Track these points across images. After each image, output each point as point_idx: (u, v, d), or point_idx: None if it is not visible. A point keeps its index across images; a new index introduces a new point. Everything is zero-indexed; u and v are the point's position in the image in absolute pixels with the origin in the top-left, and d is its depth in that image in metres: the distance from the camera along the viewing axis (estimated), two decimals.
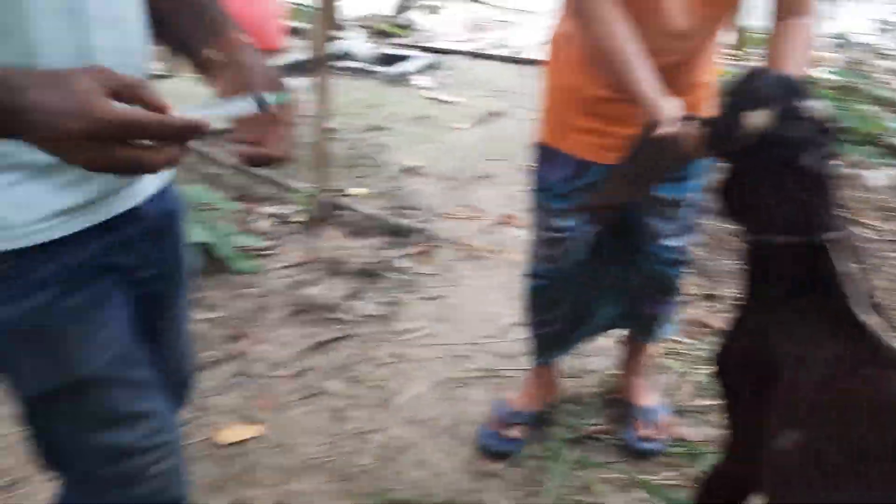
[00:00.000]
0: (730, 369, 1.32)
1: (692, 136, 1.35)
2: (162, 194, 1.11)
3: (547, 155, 1.78)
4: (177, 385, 1.29)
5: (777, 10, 1.55)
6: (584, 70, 1.65)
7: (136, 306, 1.11)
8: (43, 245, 0.93)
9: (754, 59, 5.61)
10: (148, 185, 1.06)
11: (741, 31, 5.08)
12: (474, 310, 2.63)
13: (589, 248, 1.83)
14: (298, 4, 5.88)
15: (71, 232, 0.96)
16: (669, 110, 1.48)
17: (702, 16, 1.54)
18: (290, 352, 2.35)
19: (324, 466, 1.92)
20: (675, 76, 1.58)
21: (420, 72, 5.37)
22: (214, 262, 2.72)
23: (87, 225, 0.97)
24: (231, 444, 1.97)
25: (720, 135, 1.27)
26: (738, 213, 1.26)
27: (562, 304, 1.93)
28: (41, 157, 0.79)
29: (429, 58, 5.64)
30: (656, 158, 1.47)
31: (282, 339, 2.41)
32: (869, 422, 1.01)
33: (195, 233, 2.59)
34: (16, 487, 1.80)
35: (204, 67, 1.08)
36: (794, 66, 1.46)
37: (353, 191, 3.47)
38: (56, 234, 0.94)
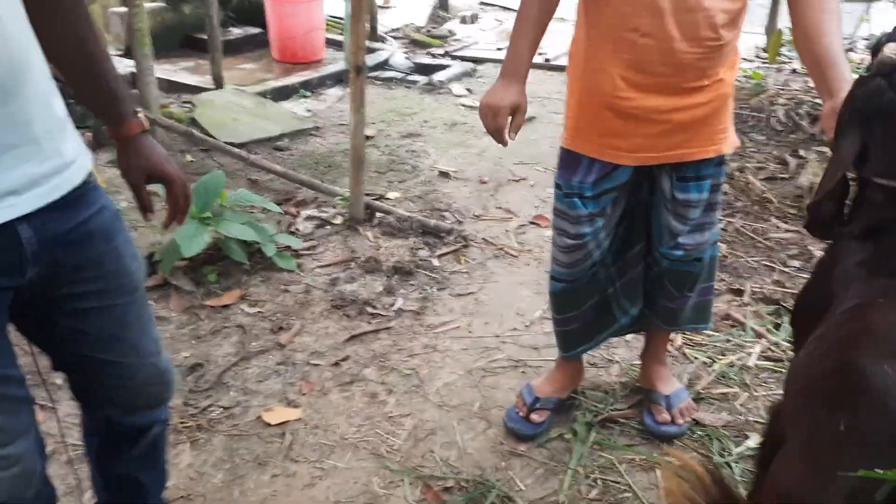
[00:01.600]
0: (799, 306, 1.40)
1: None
2: (66, 209, 1.13)
3: (570, 159, 1.84)
4: (150, 384, 1.36)
5: None
6: (601, 71, 1.71)
7: (57, 331, 1.22)
8: None
9: (786, 62, 5.64)
10: (16, 205, 1.05)
11: (772, 34, 5.11)
12: (503, 305, 2.75)
13: (607, 251, 1.90)
14: (337, 17, 6.08)
15: None
16: (504, 95, 1.72)
17: None
18: (330, 342, 2.50)
19: (359, 446, 2.06)
20: (694, 65, 1.64)
21: (455, 80, 5.51)
22: (260, 261, 2.89)
23: None
24: (275, 425, 2.12)
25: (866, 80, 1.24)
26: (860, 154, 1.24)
27: (583, 306, 2.00)
28: None
29: (464, 66, 5.78)
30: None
31: (322, 331, 2.56)
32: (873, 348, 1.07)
33: (243, 232, 2.77)
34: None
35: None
36: (836, 39, 1.50)
37: (389, 194, 3.62)
38: None
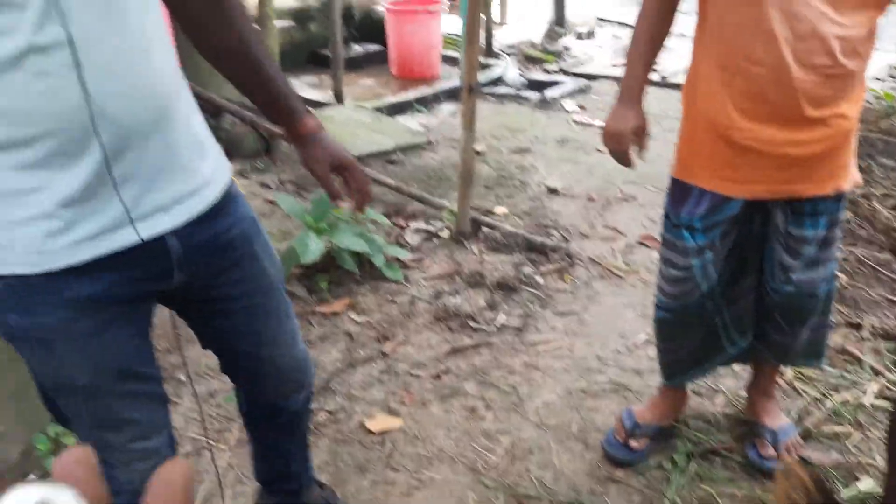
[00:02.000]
0: None
1: None
2: (208, 221, 1.23)
3: (681, 190, 1.81)
4: (289, 373, 1.52)
5: None
6: (715, 100, 1.68)
7: (208, 322, 1.37)
8: (57, 273, 1.09)
9: None
10: (163, 220, 1.16)
11: None
12: (607, 326, 2.73)
13: (716, 282, 1.86)
14: (454, 34, 6.20)
15: (78, 261, 1.09)
16: (626, 119, 1.73)
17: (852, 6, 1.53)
18: (432, 354, 2.56)
19: (456, 459, 2.10)
20: (810, 94, 1.59)
21: (568, 96, 5.50)
22: (370, 271, 3.00)
23: (97, 254, 1.10)
24: (377, 433, 2.19)
25: None
26: None
27: (689, 336, 1.96)
28: (56, 194, 1.04)
29: (577, 83, 5.75)
30: None
31: (424, 343, 2.63)
32: None
33: (353, 243, 2.88)
34: (200, 454, 2.11)
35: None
36: None
37: (496, 209, 3.66)
38: (59, 265, 1.08)
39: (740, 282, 1.89)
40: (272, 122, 1.39)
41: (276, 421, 1.62)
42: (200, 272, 1.26)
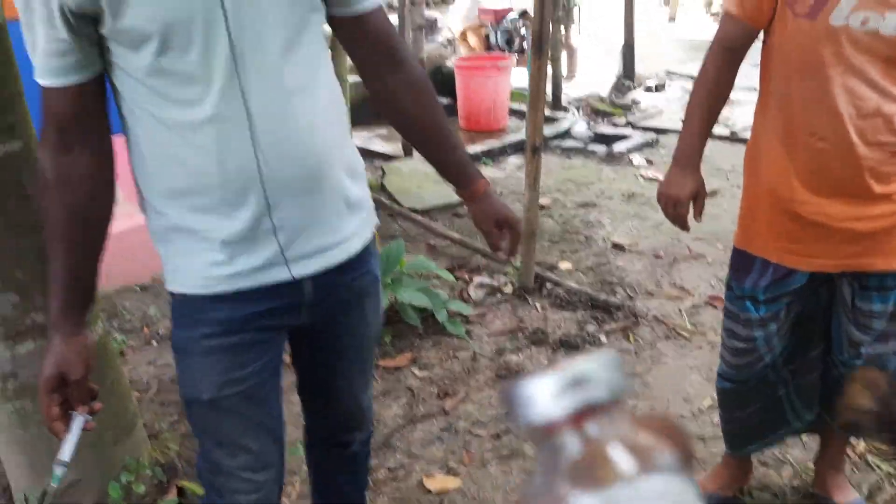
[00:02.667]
0: None
1: None
2: (341, 270, 1.37)
3: (743, 260, 1.78)
4: (351, 413, 1.62)
5: None
6: (778, 173, 1.66)
7: (303, 347, 1.50)
8: (210, 296, 1.29)
9: None
10: (308, 265, 1.32)
11: None
12: (670, 389, 2.69)
13: (780, 354, 1.82)
14: (521, 88, 6.29)
15: (234, 289, 1.28)
16: (682, 185, 1.75)
17: None
18: (492, 413, 2.57)
19: None
20: (875, 171, 1.57)
21: (636, 150, 5.49)
22: (432, 325, 3.04)
23: (245, 286, 1.28)
24: (435, 492, 2.20)
25: None
26: None
27: (752, 407, 1.92)
28: (223, 233, 1.22)
29: (646, 136, 5.75)
30: None
31: (485, 401, 2.64)
32: None
33: (416, 298, 2.93)
34: None
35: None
36: None
37: (560, 264, 3.67)
38: (218, 290, 1.27)
39: (806, 354, 1.85)
40: (447, 181, 1.53)
41: (336, 454, 1.70)
42: (321, 313, 1.39)
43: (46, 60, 1.14)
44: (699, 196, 1.82)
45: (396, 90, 1.39)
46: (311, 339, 1.48)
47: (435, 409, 2.59)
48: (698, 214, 1.85)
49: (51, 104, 1.18)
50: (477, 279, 3.52)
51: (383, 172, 4.77)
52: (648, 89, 7.08)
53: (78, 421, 1.26)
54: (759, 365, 1.83)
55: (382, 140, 5.66)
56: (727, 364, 1.90)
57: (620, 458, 0.27)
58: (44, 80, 1.15)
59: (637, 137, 5.72)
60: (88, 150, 1.21)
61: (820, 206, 1.63)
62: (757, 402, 1.91)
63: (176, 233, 1.27)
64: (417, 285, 3.05)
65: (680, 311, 3.24)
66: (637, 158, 5.32)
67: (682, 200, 1.79)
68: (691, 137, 1.79)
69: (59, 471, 1.24)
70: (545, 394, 0.29)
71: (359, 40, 1.37)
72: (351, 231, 1.37)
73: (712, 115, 1.78)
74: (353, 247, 1.37)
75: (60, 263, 1.25)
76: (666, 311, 3.23)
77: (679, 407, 2.59)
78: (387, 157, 5.11)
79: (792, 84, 1.59)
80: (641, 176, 4.98)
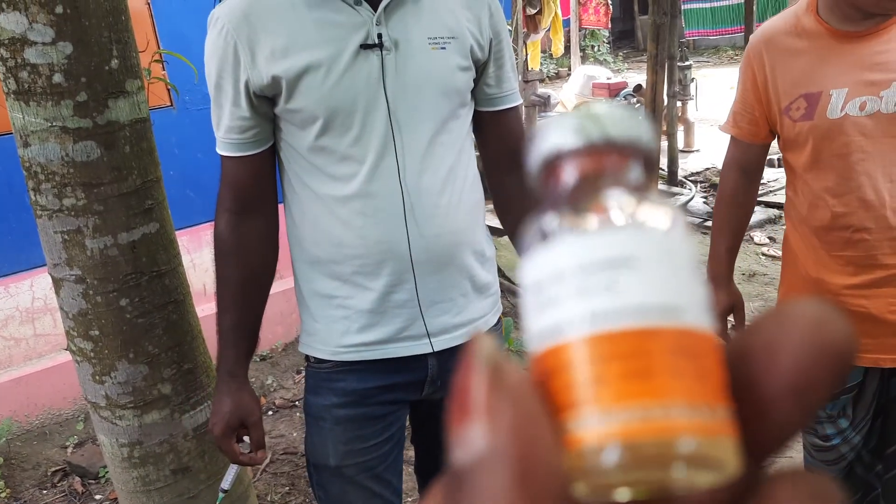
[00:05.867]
0: None
1: None
2: (452, 355, 1.40)
3: None
4: None
5: None
6: (821, 268, 1.61)
7: (423, 425, 1.55)
8: (340, 364, 1.36)
9: None
10: (436, 342, 1.37)
11: None
12: None
13: (862, 447, 1.71)
14: None
15: (361, 359, 1.34)
16: (718, 304, 1.75)
17: None
18: None
19: None
20: None
21: (757, 227, 5.30)
22: None
23: (374, 357, 1.34)
24: None
25: None
26: None
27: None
28: (357, 302, 1.30)
29: (768, 212, 5.54)
30: None
31: None
32: None
33: None
34: None
35: None
36: None
37: None
38: (347, 358, 1.35)
39: (891, 447, 1.71)
40: None
41: None
42: (441, 390, 1.44)
43: (229, 135, 1.31)
44: (737, 309, 1.83)
45: (510, 189, 1.48)
46: (431, 418, 1.52)
47: None
48: (740, 326, 1.85)
49: (230, 173, 1.34)
50: None
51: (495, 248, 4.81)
52: (770, 164, 6.84)
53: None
54: (842, 462, 1.74)
55: (493, 215, 5.71)
56: (813, 460, 1.81)
57: (621, 203, 0.23)
58: (226, 151, 1.32)
59: (758, 213, 5.52)
60: (261, 215, 1.36)
61: (869, 300, 1.56)
62: (850, 498, 1.79)
63: (314, 298, 1.37)
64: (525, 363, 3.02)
65: None
66: (758, 235, 5.12)
67: (716, 317, 1.77)
68: (719, 256, 1.80)
69: (221, 494, 1.47)
70: (560, 127, 0.25)
71: (491, 134, 1.46)
72: (480, 313, 1.42)
73: (737, 233, 1.80)
74: (481, 329, 1.41)
75: (236, 318, 1.38)
76: None
77: None
78: (499, 232, 5.16)
79: (816, 182, 1.55)
80: (763, 254, 4.78)
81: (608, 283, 0.21)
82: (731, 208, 1.77)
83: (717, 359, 0.21)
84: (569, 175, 0.25)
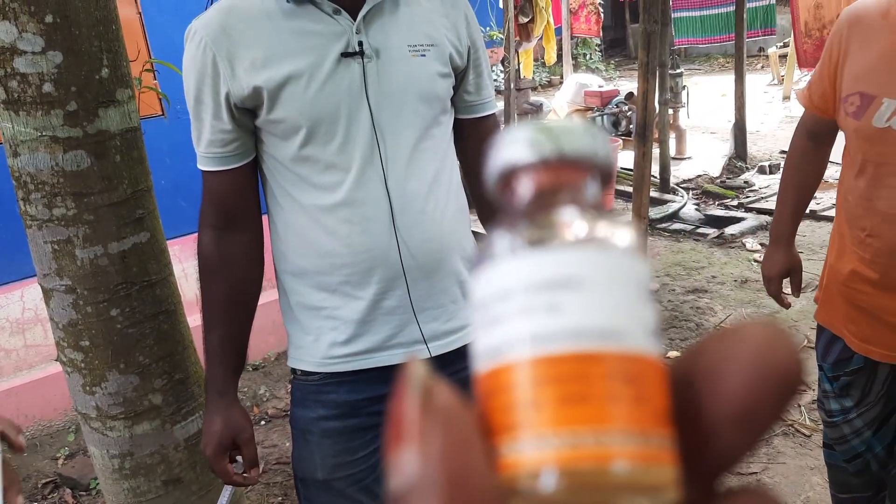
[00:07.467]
0: None
1: None
2: (450, 361, 1.38)
3: (820, 333, 1.79)
4: None
5: None
6: (841, 257, 1.65)
7: None
8: (328, 375, 1.34)
9: None
10: (432, 348, 1.36)
11: None
12: (790, 491, 2.51)
13: (874, 442, 1.73)
14: (626, 169, 6.26)
15: (351, 369, 1.33)
16: (774, 263, 1.77)
17: None
18: None
19: None
20: None
21: (748, 233, 5.31)
22: None
23: (363, 366, 1.33)
24: None
25: None
26: None
27: (858, 493, 1.84)
28: (345, 312, 1.28)
29: (759, 219, 5.55)
30: None
31: None
32: None
33: None
34: None
35: None
36: None
37: (669, 353, 3.54)
38: (335, 369, 1.33)
39: None
40: None
41: None
42: None
43: (211, 149, 1.29)
44: (794, 272, 1.83)
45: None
46: None
47: None
48: (796, 290, 1.86)
49: (213, 188, 1.32)
50: None
51: None
52: (762, 170, 6.88)
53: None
54: (847, 446, 1.77)
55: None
56: (827, 438, 1.85)
57: (571, 221, 0.22)
58: (208, 166, 1.31)
59: (750, 220, 5.54)
60: (245, 230, 1.35)
61: (873, 298, 1.59)
62: (865, 493, 1.82)
63: (302, 310, 1.36)
64: None
65: (798, 406, 3.04)
66: (750, 242, 5.14)
67: (773, 277, 1.81)
68: (783, 217, 1.81)
69: None
70: (514, 142, 0.25)
71: (471, 141, 1.46)
72: (467, 322, 1.41)
73: (802, 198, 1.80)
74: (469, 336, 1.39)
75: (223, 334, 1.36)
76: None
77: None
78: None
79: (850, 178, 1.58)
80: (755, 261, 4.79)
81: (551, 303, 0.21)
82: (796, 170, 1.77)
83: (658, 384, 0.21)
84: (521, 190, 0.24)
